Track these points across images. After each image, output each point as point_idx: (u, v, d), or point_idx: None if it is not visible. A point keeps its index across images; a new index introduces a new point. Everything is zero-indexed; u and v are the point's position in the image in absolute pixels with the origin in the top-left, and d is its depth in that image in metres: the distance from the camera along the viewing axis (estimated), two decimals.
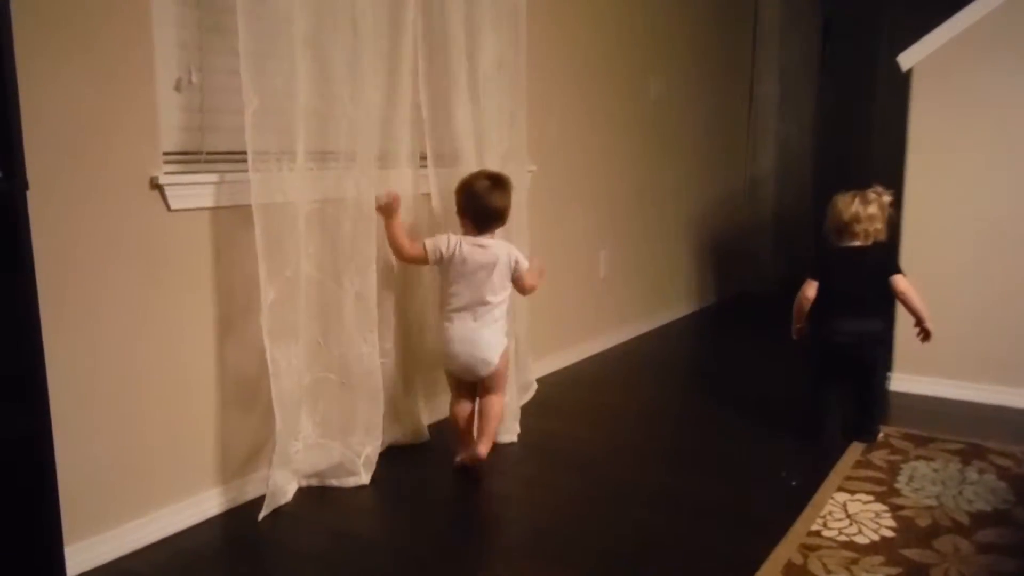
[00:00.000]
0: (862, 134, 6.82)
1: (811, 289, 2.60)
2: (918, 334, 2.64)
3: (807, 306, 2.62)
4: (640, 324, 4.20)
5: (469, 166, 2.57)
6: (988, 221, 2.99)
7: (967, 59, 2.96)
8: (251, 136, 2.00)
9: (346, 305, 2.29)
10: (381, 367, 2.46)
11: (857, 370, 2.62)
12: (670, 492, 2.29)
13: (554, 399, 3.11)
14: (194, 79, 2.06)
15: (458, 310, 2.38)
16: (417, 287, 2.59)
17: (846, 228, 2.59)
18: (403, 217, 2.45)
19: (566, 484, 2.36)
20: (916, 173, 3.08)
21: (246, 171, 2.02)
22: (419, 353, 2.64)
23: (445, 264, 2.39)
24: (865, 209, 2.58)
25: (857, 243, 2.59)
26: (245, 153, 2.01)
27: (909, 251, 3.09)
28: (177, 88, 2.03)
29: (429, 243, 2.40)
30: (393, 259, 2.46)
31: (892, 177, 3.22)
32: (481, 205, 2.38)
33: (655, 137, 4.21)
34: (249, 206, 2.04)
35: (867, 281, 2.58)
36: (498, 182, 2.41)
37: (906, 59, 3.03)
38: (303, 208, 2.15)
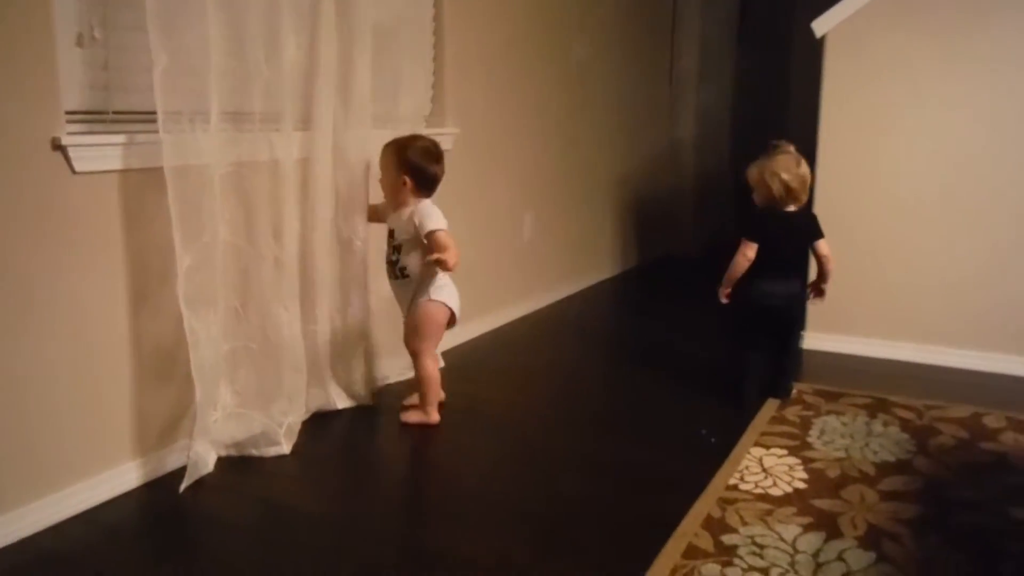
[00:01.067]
0: (778, 101, 6.98)
1: (752, 251, 2.58)
2: (811, 293, 2.73)
3: (745, 267, 2.59)
4: (564, 287, 4.23)
5: (363, 127, 2.52)
6: (899, 186, 3.10)
7: (879, 25, 3.03)
8: (161, 96, 1.91)
9: (264, 271, 2.23)
10: (312, 334, 2.42)
11: (782, 331, 2.69)
12: (594, 452, 2.32)
13: (478, 363, 3.11)
14: (97, 34, 1.95)
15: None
16: (350, 253, 2.55)
17: (792, 193, 2.55)
18: (329, 180, 2.40)
19: (490, 449, 2.37)
20: (830, 138, 3.16)
21: (157, 132, 1.93)
22: (353, 319, 2.60)
23: None
24: (802, 169, 2.56)
25: (792, 207, 2.58)
26: (155, 113, 1.92)
27: (822, 214, 3.17)
28: (79, 44, 1.92)
29: (446, 227, 2.36)
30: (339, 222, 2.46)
31: (807, 143, 3.30)
32: (432, 174, 2.41)
33: (579, 100, 4.20)
34: (161, 169, 1.95)
35: (798, 244, 2.64)
36: (440, 151, 2.44)
37: (820, 25, 3.09)
38: (218, 171, 2.08)
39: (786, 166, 2.55)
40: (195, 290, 2.04)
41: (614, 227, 4.80)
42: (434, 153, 2.41)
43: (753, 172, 2.62)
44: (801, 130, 3.42)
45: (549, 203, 4.03)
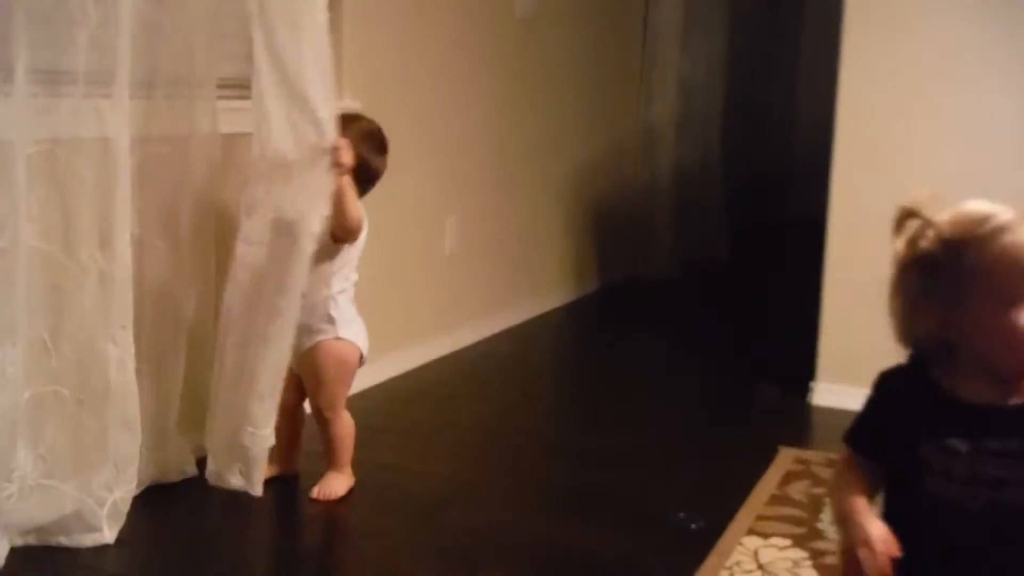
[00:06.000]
0: (785, 75, 7.17)
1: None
2: None
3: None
4: (499, 318, 4.25)
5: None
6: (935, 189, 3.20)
7: None
8: None
9: (86, 290, 2.20)
10: (152, 376, 2.41)
11: None
12: (539, 542, 2.34)
13: (384, 420, 3.10)
14: None
15: None
16: (207, 264, 2.55)
17: None
18: (187, 168, 2.41)
19: (401, 535, 2.37)
20: (848, 127, 3.26)
21: None
22: (204, 357, 2.59)
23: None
24: None
25: None
26: None
27: (837, 236, 3.27)
28: None
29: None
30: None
31: (820, 135, 3.39)
32: (375, 169, 2.52)
33: (523, 70, 4.25)
34: None
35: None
36: (385, 138, 2.55)
37: None
38: (23, 150, 2.05)
39: None
40: None
41: (567, 239, 4.85)
42: (380, 140, 2.52)
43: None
44: (815, 112, 3.53)
45: (479, 205, 4.06)
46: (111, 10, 2.17)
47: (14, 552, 2.14)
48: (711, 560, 2.23)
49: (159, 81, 2.37)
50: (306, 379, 2.51)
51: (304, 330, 2.45)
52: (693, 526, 2.41)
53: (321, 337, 2.47)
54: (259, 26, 2.34)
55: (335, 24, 3.00)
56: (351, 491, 2.54)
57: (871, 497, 1.38)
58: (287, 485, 2.58)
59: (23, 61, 2.01)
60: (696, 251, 5.61)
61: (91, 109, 2.18)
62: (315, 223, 2.35)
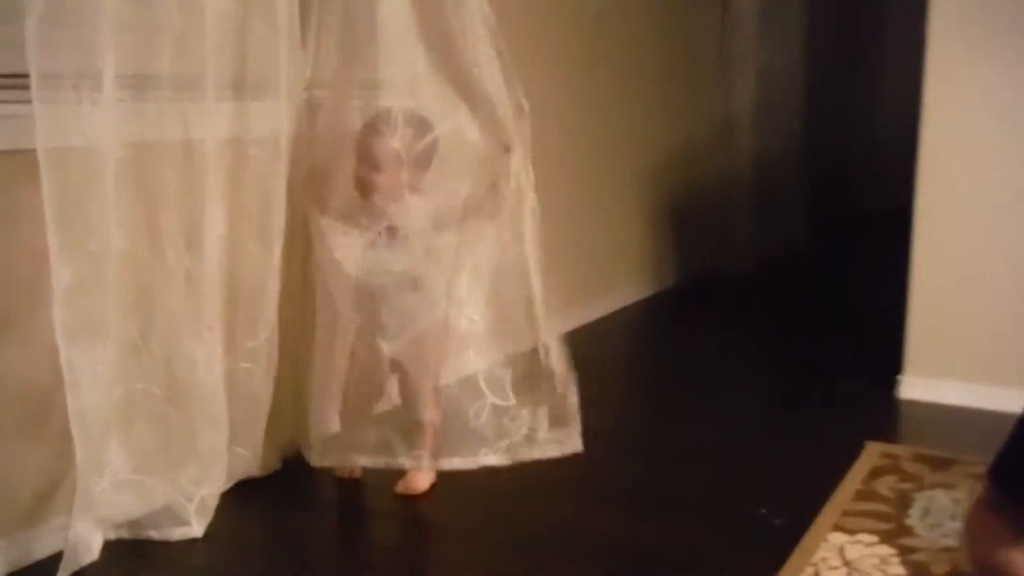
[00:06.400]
0: (868, 64, 7.04)
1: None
2: None
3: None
4: (575, 314, 4.24)
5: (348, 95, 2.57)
6: None
7: None
8: (35, 53, 1.93)
9: (173, 290, 2.25)
10: (243, 375, 2.44)
11: None
12: (617, 540, 2.33)
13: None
14: None
15: None
16: (298, 264, 2.58)
17: None
18: (278, 166, 2.46)
19: (482, 532, 2.38)
20: (935, 116, 3.19)
21: (28, 102, 1.95)
22: (296, 355, 2.63)
23: None
24: None
25: None
26: (26, 76, 1.94)
27: (925, 227, 3.21)
28: None
29: None
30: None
31: (903, 124, 3.33)
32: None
33: (599, 63, 4.24)
34: (33, 151, 1.97)
35: None
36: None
37: None
38: (112, 155, 2.10)
39: None
40: (78, 315, 2.05)
41: (644, 232, 4.83)
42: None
43: None
44: (900, 104, 3.46)
45: (556, 199, 4.05)
46: (195, 14, 2.22)
47: (108, 544, 2.21)
48: (795, 557, 2.21)
49: (247, 83, 2.40)
50: (416, 354, 2.49)
51: (417, 312, 2.45)
52: (776, 522, 2.38)
53: (438, 312, 2.46)
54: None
55: None
56: (433, 487, 2.57)
57: (1021, 544, 1.21)
58: (372, 479, 2.61)
59: (110, 68, 2.06)
60: (777, 243, 5.55)
61: (177, 113, 2.23)
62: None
